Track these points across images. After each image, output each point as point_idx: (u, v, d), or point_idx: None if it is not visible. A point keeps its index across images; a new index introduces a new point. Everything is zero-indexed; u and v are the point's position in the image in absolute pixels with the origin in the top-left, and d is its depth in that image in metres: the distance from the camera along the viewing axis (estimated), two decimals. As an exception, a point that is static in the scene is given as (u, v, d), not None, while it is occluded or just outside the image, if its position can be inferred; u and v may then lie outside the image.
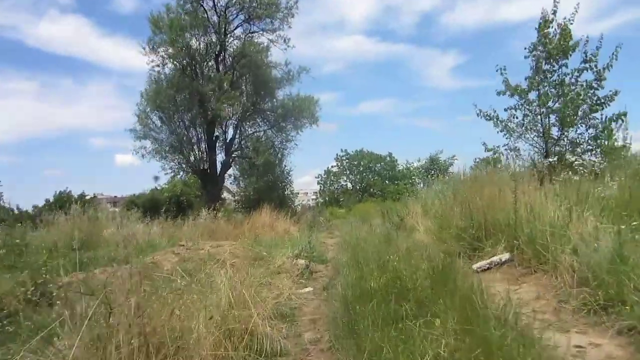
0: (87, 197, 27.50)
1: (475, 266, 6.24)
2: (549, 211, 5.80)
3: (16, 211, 16.71)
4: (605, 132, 9.76)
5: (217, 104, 15.47)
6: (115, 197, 53.68)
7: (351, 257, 7.08)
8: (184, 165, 18.78)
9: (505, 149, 10.58)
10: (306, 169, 71.97)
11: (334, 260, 9.06)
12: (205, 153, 18.60)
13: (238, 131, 19.17)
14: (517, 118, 10.28)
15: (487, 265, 6.11)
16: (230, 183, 24.90)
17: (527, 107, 10.01)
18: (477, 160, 13.74)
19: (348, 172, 58.06)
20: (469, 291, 4.06)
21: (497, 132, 10.57)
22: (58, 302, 4.03)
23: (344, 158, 57.76)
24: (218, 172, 18.94)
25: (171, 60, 16.84)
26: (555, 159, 9.55)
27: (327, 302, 5.68)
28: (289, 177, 24.95)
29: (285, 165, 24.31)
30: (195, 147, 18.57)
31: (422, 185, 19.85)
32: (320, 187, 57.70)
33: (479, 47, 71.25)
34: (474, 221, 6.91)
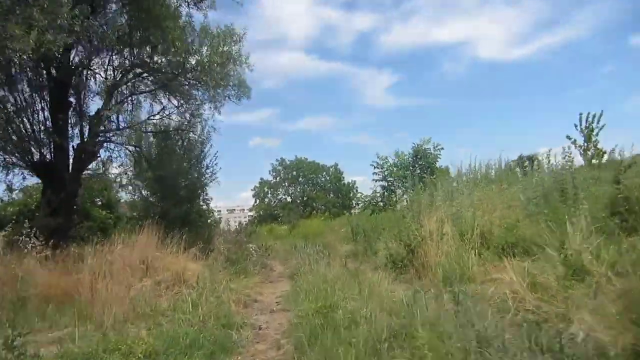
0: None
1: None
2: None
3: None
4: None
5: (12, 28, 7.09)
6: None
7: None
8: (-1, 154, 10.32)
9: None
10: (248, 185, 67.17)
11: None
12: (44, 132, 10.40)
13: (112, 98, 11.06)
14: None
15: None
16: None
17: None
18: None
19: (286, 184, 50.83)
20: None
21: None
22: None
23: (281, 168, 50.53)
24: (70, 167, 10.76)
25: None
26: None
27: None
28: (210, 182, 16.33)
29: (205, 166, 15.98)
30: (31, 118, 10.23)
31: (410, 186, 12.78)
32: (255, 200, 49.88)
33: (413, 67, 73.09)
34: None
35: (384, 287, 5.30)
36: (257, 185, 50.14)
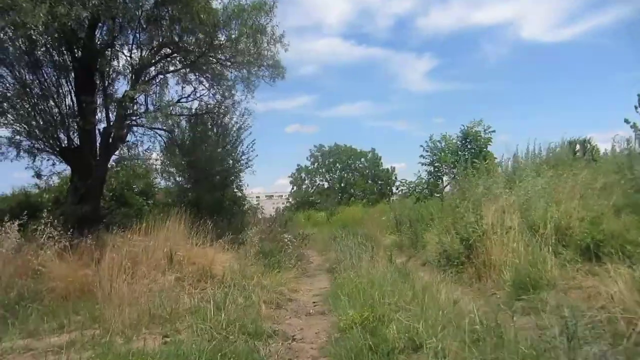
0: None
1: None
2: None
3: None
4: None
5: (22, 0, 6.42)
6: None
7: None
8: (23, 137, 9.96)
9: None
10: (285, 171, 66.57)
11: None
12: (70, 116, 9.99)
13: (139, 79, 10.49)
14: None
15: None
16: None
17: None
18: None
19: (324, 170, 49.86)
20: None
21: None
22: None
23: (319, 154, 49.52)
24: (98, 153, 10.30)
25: None
26: None
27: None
28: (245, 168, 15.55)
29: (240, 152, 15.21)
30: (57, 102, 9.83)
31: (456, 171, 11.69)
32: (293, 187, 49.35)
33: (452, 51, 70.40)
34: None
35: (444, 294, 4.35)
36: (295, 171, 49.48)
